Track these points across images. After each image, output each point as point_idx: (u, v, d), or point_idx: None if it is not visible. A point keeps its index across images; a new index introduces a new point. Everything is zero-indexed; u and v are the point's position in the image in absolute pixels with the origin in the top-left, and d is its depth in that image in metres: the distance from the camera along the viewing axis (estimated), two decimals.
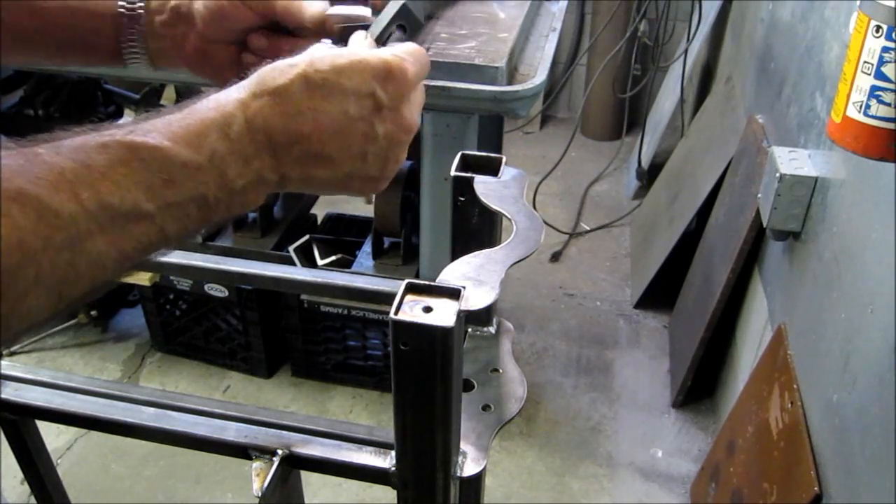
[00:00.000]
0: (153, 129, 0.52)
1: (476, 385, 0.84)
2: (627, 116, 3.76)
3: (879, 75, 0.92)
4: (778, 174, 1.65)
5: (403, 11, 0.75)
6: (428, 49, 1.66)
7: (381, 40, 0.74)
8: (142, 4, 0.73)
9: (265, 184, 0.57)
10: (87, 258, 0.47)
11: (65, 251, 0.45)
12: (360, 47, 0.65)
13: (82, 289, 0.48)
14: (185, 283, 2.37)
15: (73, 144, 0.48)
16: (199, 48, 0.75)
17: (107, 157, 0.48)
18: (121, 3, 0.73)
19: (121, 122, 0.53)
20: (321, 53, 0.59)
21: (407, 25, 0.76)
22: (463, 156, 0.85)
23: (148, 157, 0.50)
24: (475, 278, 0.64)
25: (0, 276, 0.42)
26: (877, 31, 0.91)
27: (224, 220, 0.57)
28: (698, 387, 2.36)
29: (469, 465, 0.73)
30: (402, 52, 0.62)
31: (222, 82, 0.60)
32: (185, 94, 2.69)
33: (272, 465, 0.77)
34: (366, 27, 0.72)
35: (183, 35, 0.75)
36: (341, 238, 2.49)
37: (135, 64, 0.76)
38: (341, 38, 0.71)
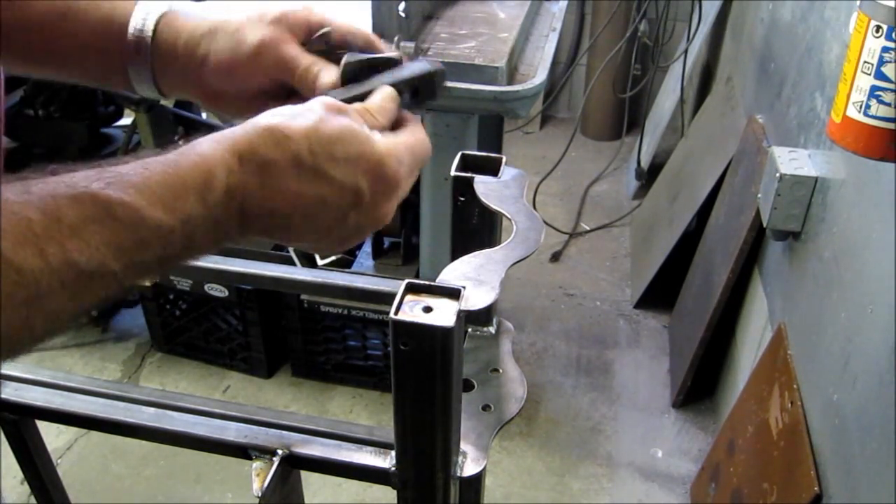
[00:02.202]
0: (131, 185, 0.49)
1: (476, 385, 0.84)
2: (627, 116, 3.76)
3: (879, 75, 0.92)
4: (778, 174, 1.65)
5: (425, 80, 0.68)
6: (427, 49, 1.66)
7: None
8: (150, 32, 0.70)
9: (227, 240, 0.57)
10: (45, 314, 0.46)
11: (22, 308, 0.44)
12: (374, 110, 0.62)
13: (34, 342, 0.47)
14: (185, 283, 2.37)
15: (44, 192, 0.46)
16: (211, 93, 0.73)
17: (79, 213, 0.46)
18: (130, 26, 0.70)
19: (96, 167, 0.51)
20: (325, 126, 0.57)
21: (422, 91, 0.68)
22: (463, 156, 0.85)
23: (122, 217, 0.48)
24: (475, 278, 0.64)
25: None
26: (877, 31, 0.91)
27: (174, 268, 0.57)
28: (698, 387, 2.36)
29: (469, 465, 0.73)
30: (405, 144, 0.61)
31: (238, 116, 0.58)
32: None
33: (272, 465, 0.77)
34: (387, 62, 0.68)
35: (194, 80, 0.72)
36: None
37: (141, 89, 0.74)
38: (356, 75, 0.68)
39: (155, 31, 0.70)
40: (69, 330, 0.56)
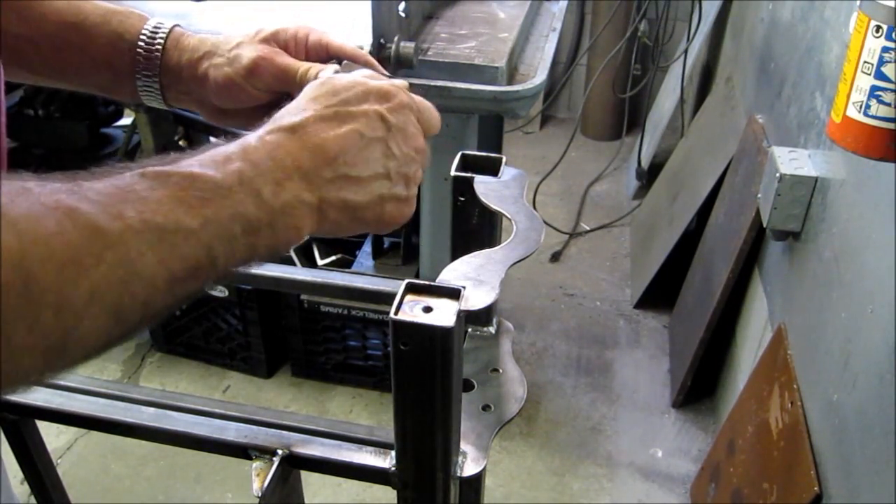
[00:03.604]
0: (181, 162, 0.52)
1: (476, 385, 0.84)
2: (627, 116, 3.76)
3: (879, 75, 0.92)
4: (778, 174, 1.65)
5: None
6: (428, 49, 1.66)
7: None
8: (159, 48, 0.73)
9: (306, 206, 0.57)
10: (140, 278, 0.46)
11: (117, 269, 0.45)
12: (370, 76, 0.67)
13: (137, 312, 0.47)
14: None
15: (110, 174, 0.49)
16: (213, 109, 0.76)
17: (145, 184, 0.49)
18: (140, 41, 0.73)
19: (142, 161, 0.54)
20: (324, 87, 0.61)
21: None
22: (463, 156, 0.85)
23: (182, 181, 0.50)
24: (475, 278, 0.64)
25: (52, 296, 0.41)
26: (877, 31, 0.91)
27: (274, 249, 0.56)
28: (698, 387, 2.36)
29: (469, 465, 0.73)
30: (400, 83, 0.66)
31: (241, 129, 0.62)
32: None
33: (272, 465, 0.77)
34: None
35: (197, 97, 0.76)
36: (341, 238, 2.49)
37: (149, 100, 0.77)
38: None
39: (164, 47, 0.73)
40: (172, 304, 0.54)
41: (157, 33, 0.73)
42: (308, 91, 0.62)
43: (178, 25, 0.75)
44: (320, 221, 0.59)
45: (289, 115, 0.59)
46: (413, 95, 0.67)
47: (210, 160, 0.53)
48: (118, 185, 0.48)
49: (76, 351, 0.44)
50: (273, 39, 0.74)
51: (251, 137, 0.57)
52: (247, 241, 0.53)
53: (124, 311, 0.46)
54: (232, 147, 0.55)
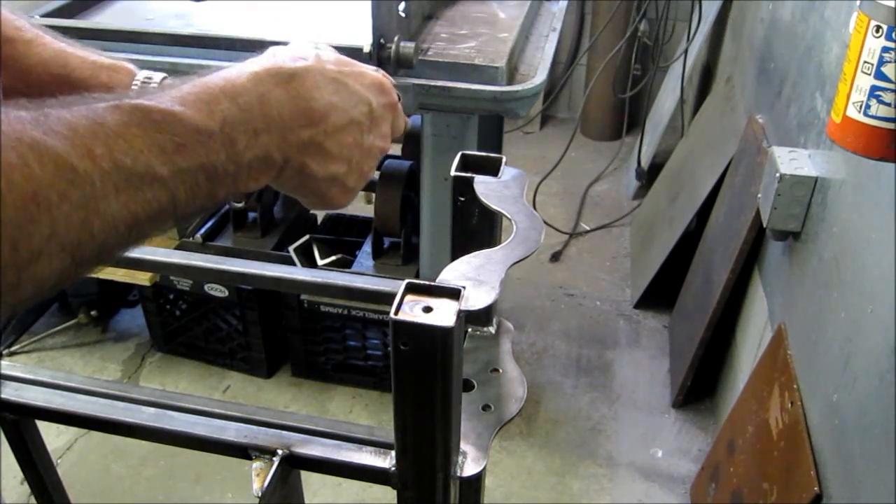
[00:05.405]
0: (163, 96, 0.51)
1: (476, 385, 0.84)
2: (627, 116, 3.76)
3: (879, 75, 0.92)
4: (778, 174, 1.65)
5: None
6: (428, 49, 1.66)
7: None
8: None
9: (270, 164, 0.57)
10: (102, 219, 0.45)
11: (80, 209, 0.43)
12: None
13: (94, 253, 0.46)
14: (185, 283, 2.37)
15: (82, 104, 0.47)
16: None
17: (119, 118, 0.47)
18: (135, 84, 0.73)
19: (119, 93, 0.52)
20: (325, 52, 0.62)
21: None
22: (463, 156, 0.85)
23: (160, 120, 0.49)
24: (475, 278, 0.64)
25: (11, 230, 0.39)
26: (877, 31, 0.91)
27: (230, 196, 0.56)
28: (698, 387, 2.36)
29: (469, 465, 0.73)
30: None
31: None
32: None
33: (272, 465, 0.77)
34: None
35: None
36: (341, 238, 2.49)
37: None
38: None
39: None
40: (128, 245, 0.54)
41: (149, 84, 0.73)
42: (310, 44, 0.62)
43: (166, 77, 0.74)
44: (275, 178, 0.59)
45: (291, 59, 0.59)
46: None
47: (195, 99, 0.52)
48: (89, 116, 0.45)
49: (29, 288, 0.42)
50: None
51: (243, 74, 0.56)
52: (209, 188, 0.52)
53: (82, 251, 0.44)
54: (219, 82, 0.54)
